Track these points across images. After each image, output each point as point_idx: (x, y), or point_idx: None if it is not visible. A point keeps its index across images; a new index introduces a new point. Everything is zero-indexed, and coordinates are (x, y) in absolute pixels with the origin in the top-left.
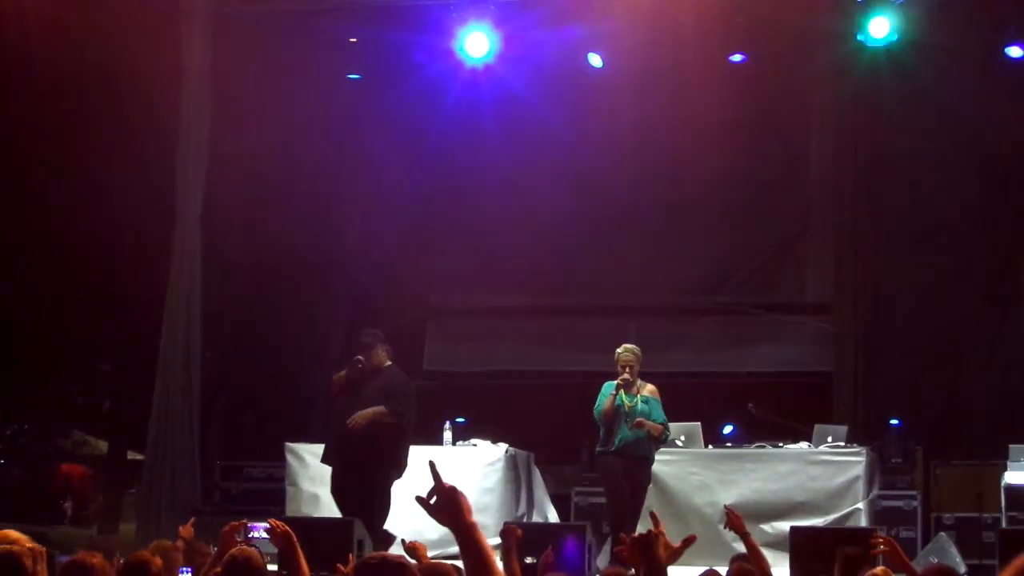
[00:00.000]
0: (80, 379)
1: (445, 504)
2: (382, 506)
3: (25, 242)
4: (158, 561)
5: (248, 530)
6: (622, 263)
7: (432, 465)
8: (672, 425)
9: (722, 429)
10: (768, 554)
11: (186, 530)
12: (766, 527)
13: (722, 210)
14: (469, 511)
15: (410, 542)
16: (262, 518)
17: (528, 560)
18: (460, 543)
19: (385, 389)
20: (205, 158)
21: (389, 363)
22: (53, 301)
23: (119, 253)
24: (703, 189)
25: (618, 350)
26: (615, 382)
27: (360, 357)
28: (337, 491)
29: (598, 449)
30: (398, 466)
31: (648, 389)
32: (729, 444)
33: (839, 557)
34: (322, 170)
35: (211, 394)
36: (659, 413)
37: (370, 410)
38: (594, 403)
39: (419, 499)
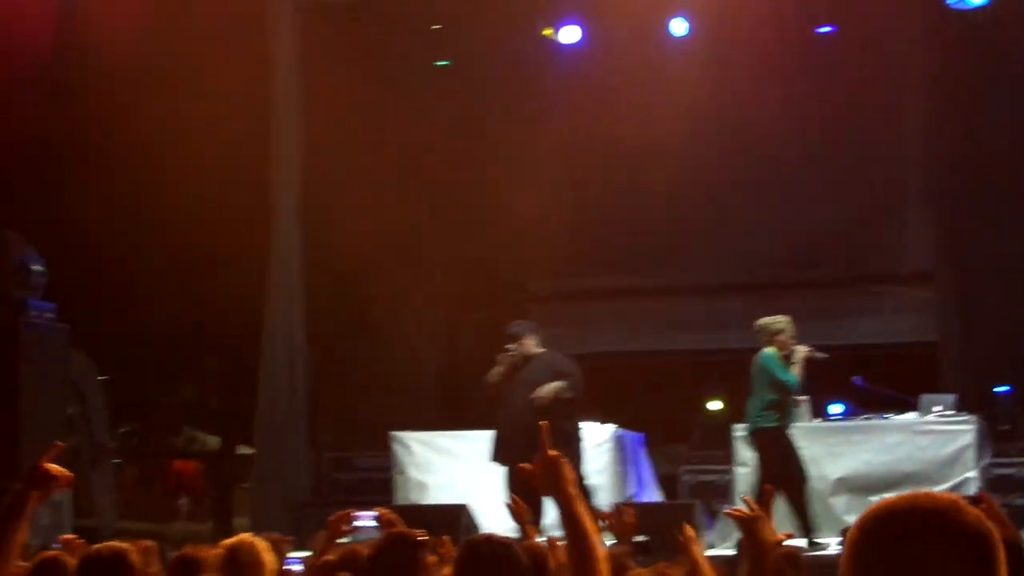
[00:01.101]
0: (188, 376)
1: (548, 472)
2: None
3: (127, 241)
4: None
5: (355, 519)
6: (722, 241)
7: (542, 430)
8: None
9: (828, 408)
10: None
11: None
12: (876, 499)
13: (820, 183)
14: (572, 482)
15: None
16: (369, 507)
17: (640, 538)
18: (561, 513)
19: (551, 368)
20: (300, 150)
21: (541, 350)
22: (158, 300)
23: (221, 249)
24: (800, 163)
25: (785, 321)
26: (772, 350)
27: (510, 346)
28: (519, 488)
29: (775, 424)
30: (574, 441)
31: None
32: (838, 414)
33: None
34: (413, 155)
35: (318, 386)
36: None
37: (551, 385)
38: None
39: (522, 468)
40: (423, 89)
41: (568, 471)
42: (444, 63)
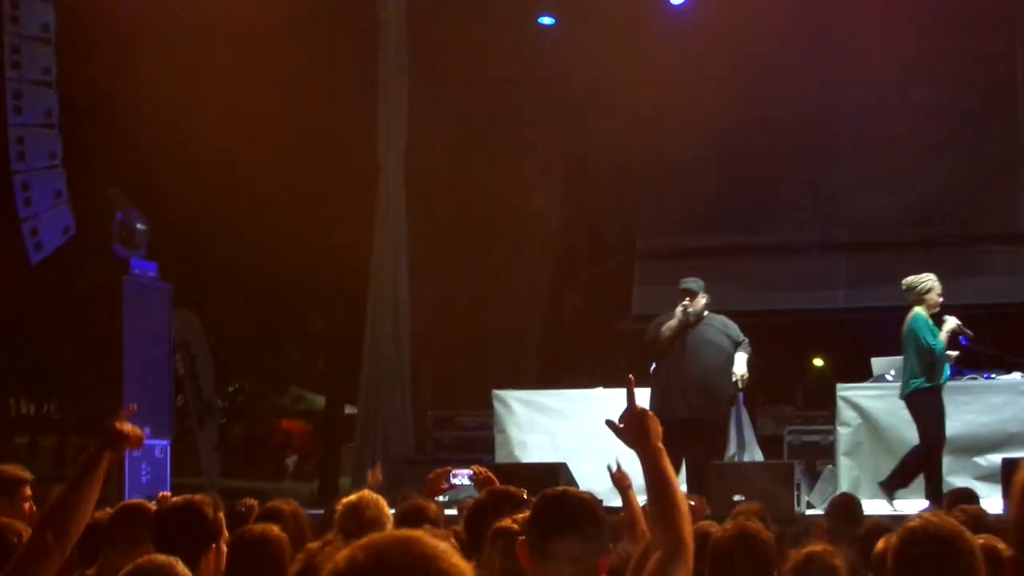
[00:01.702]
0: (295, 336)
1: (634, 426)
2: (726, 445)
3: (236, 203)
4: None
5: (453, 476)
6: (829, 199)
7: (630, 384)
8: (883, 360)
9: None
10: (982, 486)
11: (374, 477)
12: (980, 460)
13: (930, 141)
14: (658, 436)
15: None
16: (467, 465)
17: (736, 498)
18: (644, 467)
19: (725, 332)
20: (406, 109)
21: (707, 312)
22: (265, 260)
23: (326, 208)
24: (911, 121)
25: (932, 279)
26: (923, 311)
27: (687, 302)
28: (677, 443)
29: (929, 385)
30: (735, 401)
31: None
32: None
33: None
34: (518, 111)
35: (422, 345)
36: None
37: (743, 364)
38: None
39: (609, 422)
40: (527, 46)
41: (655, 425)
42: (548, 21)
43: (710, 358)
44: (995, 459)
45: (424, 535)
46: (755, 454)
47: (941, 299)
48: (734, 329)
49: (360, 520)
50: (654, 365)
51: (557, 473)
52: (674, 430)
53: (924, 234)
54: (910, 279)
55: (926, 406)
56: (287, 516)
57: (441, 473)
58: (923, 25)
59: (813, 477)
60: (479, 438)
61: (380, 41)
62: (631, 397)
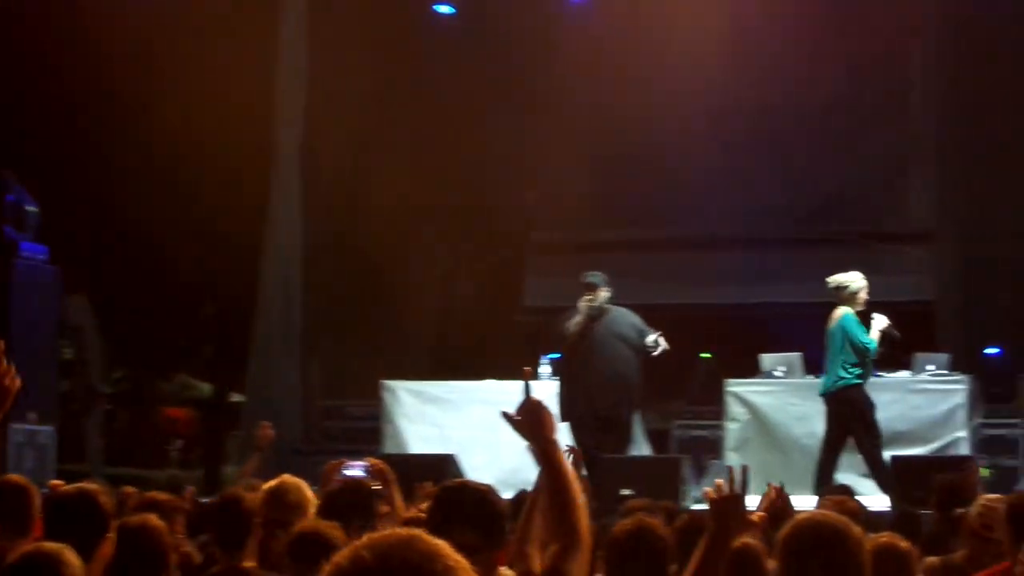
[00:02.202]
0: (183, 323)
1: (529, 418)
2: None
3: (125, 187)
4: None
5: (347, 468)
6: (727, 196)
7: (526, 376)
8: (772, 356)
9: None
10: (869, 485)
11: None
12: None
13: (825, 140)
14: (552, 428)
15: None
16: (360, 457)
17: (624, 492)
18: (538, 458)
19: (630, 323)
20: (303, 94)
21: (609, 305)
22: (154, 245)
23: (219, 194)
24: (807, 119)
25: (860, 279)
26: (850, 310)
27: (591, 296)
28: (589, 438)
29: (857, 382)
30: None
31: None
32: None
33: (936, 485)
34: (422, 105)
35: (312, 334)
36: None
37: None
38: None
39: (504, 414)
40: (425, 36)
41: (549, 417)
42: (447, 10)
43: (616, 351)
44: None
45: (423, 533)
46: (643, 448)
47: (867, 296)
48: (638, 320)
49: (283, 505)
50: (546, 358)
51: (446, 465)
52: (585, 424)
53: (818, 231)
54: (839, 279)
55: (859, 401)
56: (165, 506)
57: (336, 465)
58: (821, 24)
59: (700, 472)
60: (368, 428)
61: (279, 26)
62: (527, 389)
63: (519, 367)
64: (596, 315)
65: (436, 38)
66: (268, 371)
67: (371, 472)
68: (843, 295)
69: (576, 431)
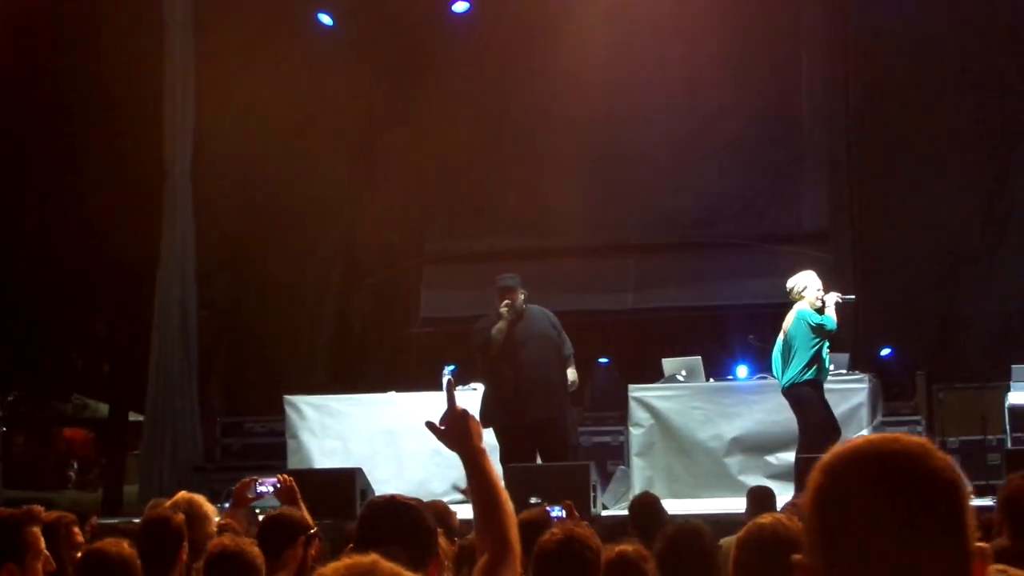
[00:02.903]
0: (78, 343)
1: (455, 427)
2: (576, 437)
3: (16, 206)
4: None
5: (259, 485)
6: (618, 201)
7: (450, 385)
8: (674, 360)
9: (734, 369)
10: (775, 485)
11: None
12: (771, 458)
13: (717, 144)
14: (479, 436)
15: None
16: (271, 472)
17: (533, 500)
18: (466, 467)
19: (550, 322)
20: (192, 111)
21: (526, 306)
22: (47, 265)
23: (111, 213)
24: (698, 123)
25: (807, 276)
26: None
27: (508, 301)
28: (525, 443)
29: (814, 378)
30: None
31: None
32: (731, 377)
33: None
34: (312, 118)
35: (209, 351)
36: None
37: (571, 375)
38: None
39: (429, 424)
40: (314, 47)
41: (476, 426)
42: (328, 21)
43: (542, 351)
44: (787, 457)
45: (380, 560)
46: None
47: (821, 292)
48: (555, 318)
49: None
50: (448, 369)
51: (352, 479)
52: (520, 432)
53: (711, 235)
54: (790, 281)
55: (811, 397)
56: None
57: (247, 483)
58: (711, 28)
59: (605, 478)
60: (269, 444)
61: (166, 44)
62: (451, 399)
63: (418, 379)
64: (516, 318)
65: (324, 50)
66: (166, 389)
67: (280, 490)
68: (795, 295)
69: (505, 437)
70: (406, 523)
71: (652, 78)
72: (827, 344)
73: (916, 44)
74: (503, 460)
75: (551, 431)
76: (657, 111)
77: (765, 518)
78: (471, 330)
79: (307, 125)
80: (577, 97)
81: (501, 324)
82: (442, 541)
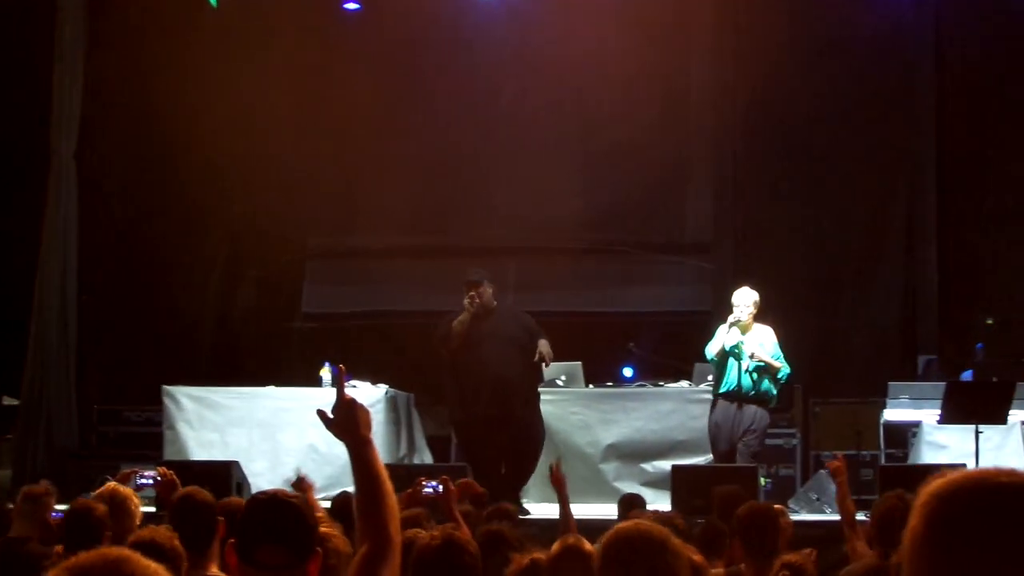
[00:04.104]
0: None
1: (343, 417)
2: (541, 438)
3: None
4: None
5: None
6: (502, 203)
7: (340, 373)
8: (553, 365)
9: (621, 371)
10: (649, 493)
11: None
12: (647, 466)
13: (603, 149)
14: (368, 426)
15: (299, 476)
16: (146, 462)
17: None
18: (352, 456)
19: (518, 322)
20: (80, 94)
21: (495, 302)
22: None
23: None
24: (584, 129)
25: (735, 292)
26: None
27: (473, 294)
28: (488, 441)
29: (711, 394)
30: (538, 396)
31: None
32: (610, 384)
33: (715, 496)
34: (199, 109)
35: (89, 338)
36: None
37: (546, 345)
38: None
39: (320, 412)
40: (206, 34)
41: (364, 415)
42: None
43: (504, 350)
44: (663, 465)
45: (133, 554)
46: (424, 455)
47: (736, 307)
48: (528, 319)
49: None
50: (329, 364)
51: (228, 471)
52: (476, 428)
53: (595, 241)
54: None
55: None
56: None
57: (128, 474)
58: (600, 33)
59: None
60: (147, 434)
61: (57, 27)
62: (340, 388)
63: (298, 374)
64: (484, 313)
65: (215, 35)
66: (43, 374)
67: (160, 482)
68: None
69: (460, 432)
70: (288, 521)
71: (541, 83)
72: (731, 360)
73: (804, 57)
74: (461, 455)
75: (507, 430)
76: (545, 116)
77: (628, 522)
78: (437, 321)
79: (195, 114)
80: (464, 97)
81: (463, 316)
82: (340, 542)
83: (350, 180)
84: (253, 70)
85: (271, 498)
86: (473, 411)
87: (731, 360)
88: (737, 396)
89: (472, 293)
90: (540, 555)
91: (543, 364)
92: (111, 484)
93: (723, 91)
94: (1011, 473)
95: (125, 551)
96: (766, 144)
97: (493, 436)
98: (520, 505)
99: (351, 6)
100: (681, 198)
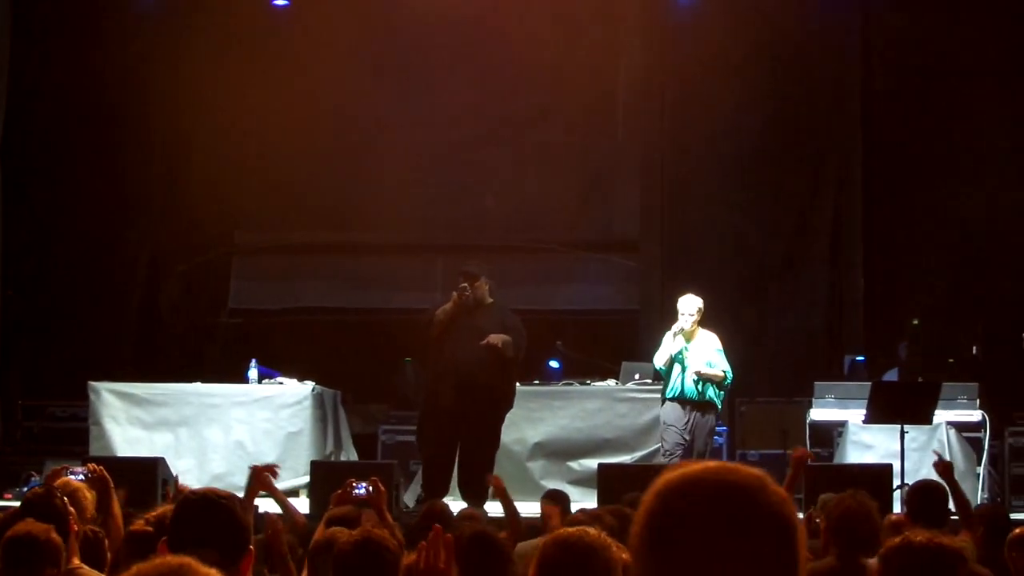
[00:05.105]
0: None
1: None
2: (496, 443)
3: None
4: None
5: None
6: (429, 200)
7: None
8: None
9: (548, 363)
10: (575, 491)
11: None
12: (573, 464)
13: (531, 146)
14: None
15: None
16: (71, 458)
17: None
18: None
19: (502, 324)
20: (5, 88)
21: (491, 300)
22: None
23: None
24: (515, 127)
25: (680, 299)
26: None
27: (465, 284)
28: (447, 434)
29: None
30: (510, 403)
31: (707, 337)
32: (537, 382)
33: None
34: (125, 102)
35: (13, 332)
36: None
37: (504, 336)
38: (400, 340)
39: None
40: (133, 31)
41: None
42: None
43: (477, 348)
44: (589, 464)
45: (193, 562)
46: (351, 453)
47: (681, 315)
48: (512, 319)
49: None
50: (255, 362)
51: (154, 468)
52: (443, 420)
53: (521, 239)
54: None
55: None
56: None
57: (58, 471)
58: (528, 31)
59: (408, 477)
60: (72, 429)
61: None
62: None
63: (224, 370)
64: (471, 306)
65: (141, 32)
66: None
67: (91, 476)
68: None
69: (422, 422)
70: (220, 521)
71: (470, 78)
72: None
73: (732, 59)
74: (418, 437)
75: (466, 426)
76: (474, 112)
77: (570, 528)
78: (429, 309)
79: (120, 107)
80: (393, 93)
81: (447, 306)
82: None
83: (277, 175)
84: (181, 63)
85: (201, 499)
86: (435, 403)
87: (676, 366)
88: (683, 401)
89: (464, 284)
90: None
91: (501, 357)
92: (63, 479)
93: (651, 90)
94: (729, 470)
95: (186, 560)
96: (694, 144)
97: (448, 432)
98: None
99: (280, 1)
100: (609, 197)
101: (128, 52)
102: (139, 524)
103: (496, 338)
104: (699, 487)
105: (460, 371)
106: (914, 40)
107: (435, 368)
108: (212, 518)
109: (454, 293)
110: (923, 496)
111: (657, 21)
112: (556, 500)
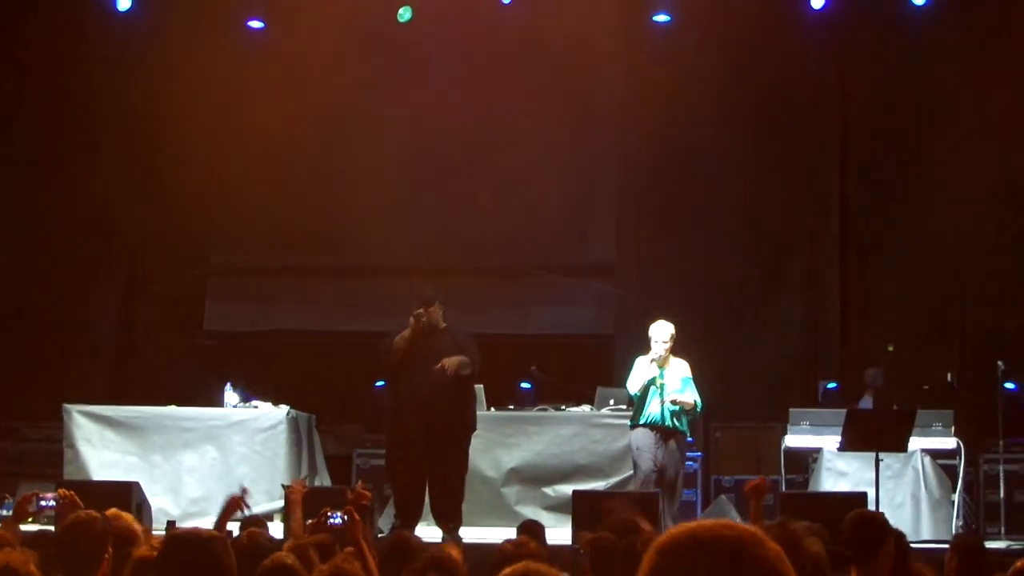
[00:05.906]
0: None
1: None
2: (464, 467)
3: None
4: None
5: (40, 500)
6: (408, 223)
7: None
8: None
9: (520, 384)
10: (550, 517)
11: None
12: (548, 490)
13: (510, 170)
14: None
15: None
16: (45, 480)
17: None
18: None
19: (456, 345)
20: None
21: (444, 324)
22: None
23: None
24: (492, 151)
25: (652, 326)
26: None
27: (421, 310)
28: (415, 460)
29: (631, 422)
30: (473, 426)
31: (679, 365)
32: (512, 407)
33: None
34: (101, 122)
35: None
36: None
37: (456, 358)
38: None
39: None
40: (105, 51)
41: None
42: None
43: (430, 376)
44: (564, 490)
45: None
46: (324, 478)
47: (655, 342)
48: (467, 341)
49: None
50: (230, 385)
51: (129, 492)
52: (409, 447)
53: (498, 263)
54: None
55: (631, 442)
56: None
57: (29, 496)
58: (506, 55)
59: (382, 502)
60: (45, 451)
61: None
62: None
63: (200, 392)
64: (427, 331)
65: (118, 49)
66: None
67: (61, 505)
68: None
69: (388, 446)
70: (205, 561)
71: (450, 103)
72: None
73: (709, 84)
74: (387, 466)
75: (433, 451)
76: (453, 137)
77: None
78: (391, 333)
79: (96, 124)
80: (373, 117)
81: (405, 332)
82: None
83: (255, 197)
84: (160, 82)
85: (189, 537)
86: (400, 430)
87: (651, 393)
88: (655, 428)
89: (420, 310)
90: None
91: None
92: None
93: (627, 115)
94: (727, 527)
95: None
96: (670, 169)
97: (415, 458)
98: (452, 533)
99: (255, 24)
100: (585, 221)
101: (107, 70)
102: (145, 550)
103: (448, 361)
104: (699, 544)
105: (421, 398)
106: (892, 65)
107: (397, 395)
108: (197, 558)
109: (411, 319)
110: (858, 526)
111: (636, 44)
112: (531, 532)
